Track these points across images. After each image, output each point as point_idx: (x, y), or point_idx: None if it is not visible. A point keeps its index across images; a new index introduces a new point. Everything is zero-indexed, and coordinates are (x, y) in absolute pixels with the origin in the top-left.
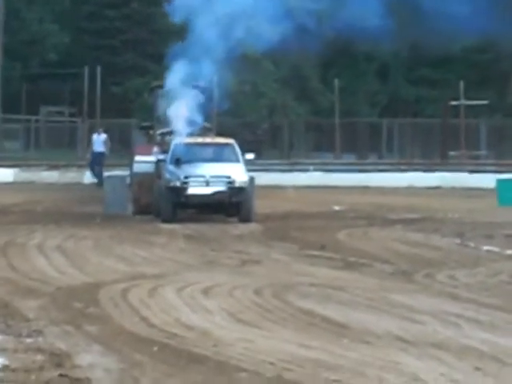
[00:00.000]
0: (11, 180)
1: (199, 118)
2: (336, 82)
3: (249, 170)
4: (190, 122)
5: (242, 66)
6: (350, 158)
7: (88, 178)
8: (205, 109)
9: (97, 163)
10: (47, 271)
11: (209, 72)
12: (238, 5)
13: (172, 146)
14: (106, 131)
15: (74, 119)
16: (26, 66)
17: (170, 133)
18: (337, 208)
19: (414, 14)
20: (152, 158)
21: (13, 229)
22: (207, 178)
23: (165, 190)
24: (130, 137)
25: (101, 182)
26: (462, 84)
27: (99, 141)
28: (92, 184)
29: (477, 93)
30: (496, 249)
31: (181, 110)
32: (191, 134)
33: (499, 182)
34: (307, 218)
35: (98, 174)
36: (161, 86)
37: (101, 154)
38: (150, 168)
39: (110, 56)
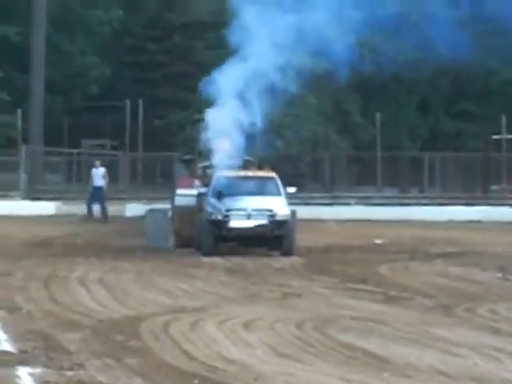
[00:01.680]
0: (53, 213)
1: (241, 152)
2: (378, 115)
3: (290, 204)
4: (232, 156)
5: (285, 100)
6: (392, 192)
7: (130, 210)
8: (248, 143)
9: (97, 198)
10: (89, 304)
11: (253, 106)
12: (282, 38)
13: (214, 180)
14: (103, 165)
15: (115, 152)
16: (67, 99)
17: (212, 166)
18: (378, 241)
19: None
20: (194, 192)
21: (55, 261)
22: (249, 211)
23: (206, 223)
24: (172, 170)
25: (105, 216)
26: (503, 118)
27: (98, 175)
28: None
29: None
30: None
31: (222, 144)
32: (233, 168)
33: None
34: (348, 251)
35: (102, 210)
36: (203, 120)
37: (100, 189)
38: (191, 201)
39: (152, 89)
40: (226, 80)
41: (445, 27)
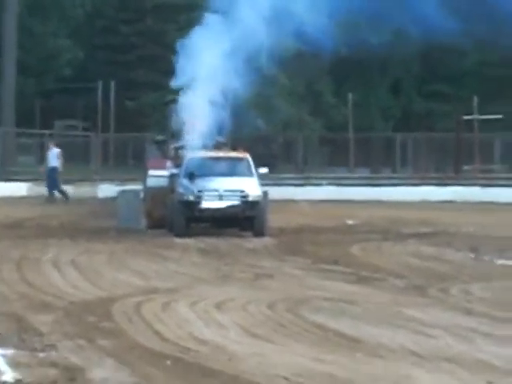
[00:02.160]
0: (25, 194)
1: (213, 133)
2: (350, 96)
3: (262, 185)
4: (204, 137)
5: (257, 80)
6: (364, 173)
7: (102, 191)
8: (219, 123)
9: (52, 179)
10: (61, 285)
11: (224, 86)
12: (254, 19)
13: (185, 160)
14: (58, 146)
15: (87, 133)
16: (40, 81)
17: (184, 147)
18: (350, 222)
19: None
20: (166, 173)
21: (27, 243)
22: (221, 192)
23: (178, 204)
24: (144, 151)
25: (66, 196)
26: (475, 98)
27: (53, 156)
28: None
29: (491, 107)
30: (510, 262)
31: (195, 125)
32: (205, 149)
33: None
34: (320, 232)
35: (60, 190)
36: (175, 101)
37: (54, 170)
38: (163, 182)
39: (125, 71)
40: (198, 60)
41: (419, 8)
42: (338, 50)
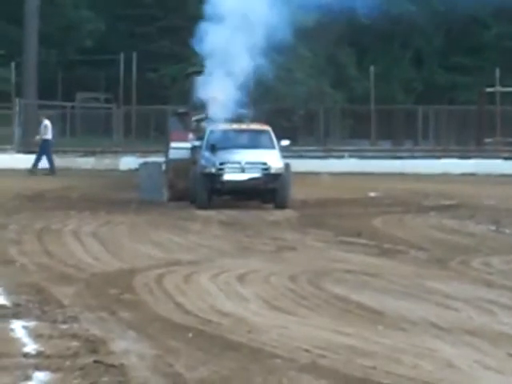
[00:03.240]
0: (47, 166)
1: (235, 105)
2: (371, 68)
3: (284, 157)
4: (226, 109)
5: (278, 53)
6: (386, 145)
7: (124, 164)
8: (241, 95)
9: (43, 151)
10: (82, 257)
11: (245, 59)
12: None
13: (207, 133)
14: (48, 118)
15: (109, 105)
16: (61, 52)
17: (206, 119)
18: (372, 195)
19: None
20: (188, 145)
21: (48, 215)
22: (242, 164)
23: (200, 177)
24: (166, 123)
25: (53, 170)
26: (497, 71)
27: (44, 128)
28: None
29: None
30: None
31: (217, 96)
32: (227, 121)
33: None
34: (343, 204)
35: (49, 162)
36: (197, 72)
37: (46, 142)
38: (185, 154)
39: (146, 43)
40: (217, 33)
41: None
42: (359, 20)
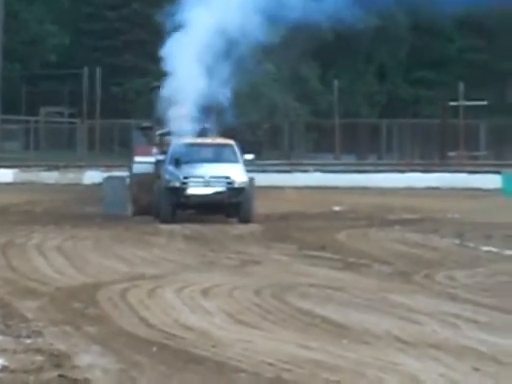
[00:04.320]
0: (11, 180)
1: (199, 119)
2: (335, 82)
3: (248, 171)
4: (189, 123)
5: (242, 67)
6: (350, 159)
7: (88, 178)
8: (204, 109)
9: None
10: (46, 272)
11: (209, 73)
12: (239, 5)
13: (171, 147)
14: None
15: (73, 120)
16: (25, 66)
17: (169, 133)
18: (336, 209)
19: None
20: (151, 159)
21: (12, 229)
22: (207, 178)
23: (164, 191)
24: (130, 137)
25: None
26: (461, 85)
27: None
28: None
29: (476, 93)
30: (495, 249)
31: (180, 111)
32: (191, 135)
33: (503, 174)
34: (307, 218)
35: None
36: (160, 87)
37: None
38: (149, 168)
39: (110, 57)
40: (183, 47)
41: None
42: (323, 34)
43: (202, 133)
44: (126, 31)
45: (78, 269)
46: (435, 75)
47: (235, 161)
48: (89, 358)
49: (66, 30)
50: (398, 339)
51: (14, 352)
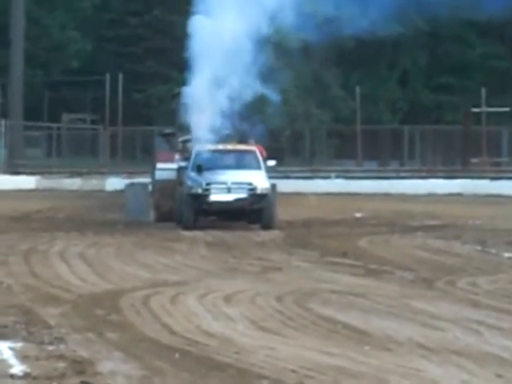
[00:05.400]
0: (33, 187)
1: (221, 125)
2: (357, 89)
3: (270, 177)
4: (212, 129)
5: (265, 73)
6: (372, 165)
7: (110, 184)
8: (227, 116)
9: None
10: (69, 278)
11: (233, 79)
12: (260, 11)
13: (193, 153)
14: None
15: (95, 126)
16: (47, 73)
17: (192, 140)
18: (358, 215)
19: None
20: (174, 165)
21: (35, 236)
22: (229, 184)
23: (186, 197)
24: (152, 144)
25: None
26: (483, 91)
27: None
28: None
29: (498, 100)
30: None
31: (203, 117)
32: (213, 141)
33: None
34: (329, 225)
35: None
36: (181, 93)
37: None
38: (171, 175)
39: (132, 63)
40: (204, 54)
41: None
42: (345, 41)
43: (225, 139)
44: (148, 38)
45: (101, 275)
46: (457, 81)
47: (257, 167)
48: (111, 365)
49: (88, 36)
50: (421, 346)
51: (37, 359)
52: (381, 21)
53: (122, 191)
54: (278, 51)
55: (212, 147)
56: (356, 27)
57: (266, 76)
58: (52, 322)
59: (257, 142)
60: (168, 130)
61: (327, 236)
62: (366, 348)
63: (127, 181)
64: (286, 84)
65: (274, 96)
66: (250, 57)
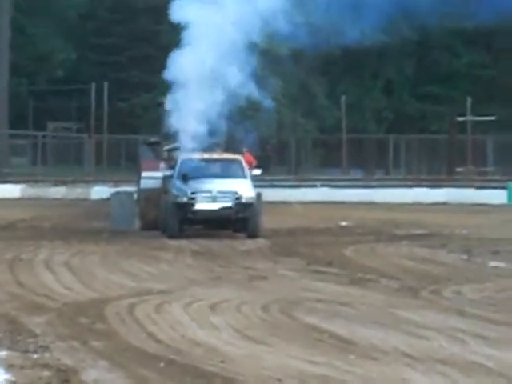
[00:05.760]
0: (18, 196)
1: (207, 134)
2: (343, 98)
3: (256, 186)
4: (197, 138)
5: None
6: (357, 174)
7: (95, 193)
8: (212, 125)
9: None
10: (54, 287)
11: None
12: (246, 20)
13: (179, 162)
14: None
15: (80, 135)
16: (32, 82)
17: (177, 148)
18: (343, 224)
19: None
20: (159, 174)
21: (20, 244)
22: (214, 193)
23: (171, 206)
24: (137, 152)
25: None
26: (469, 100)
27: None
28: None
29: (484, 109)
30: (502, 264)
31: (188, 126)
32: (199, 150)
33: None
34: (314, 233)
35: None
36: (165, 103)
37: None
38: (156, 184)
39: (117, 72)
40: (189, 62)
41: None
42: (330, 50)
43: (210, 148)
44: (132, 47)
45: (86, 284)
46: (443, 90)
47: (243, 176)
48: (96, 374)
49: (73, 45)
50: (406, 355)
51: (22, 367)
52: (370, 30)
53: (107, 200)
54: (266, 59)
55: (197, 156)
56: (343, 36)
57: (256, 82)
58: (37, 331)
59: (250, 151)
60: (153, 139)
61: (313, 245)
62: (351, 357)
63: (112, 189)
64: (275, 92)
65: (266, 102)
66: (240, 62)
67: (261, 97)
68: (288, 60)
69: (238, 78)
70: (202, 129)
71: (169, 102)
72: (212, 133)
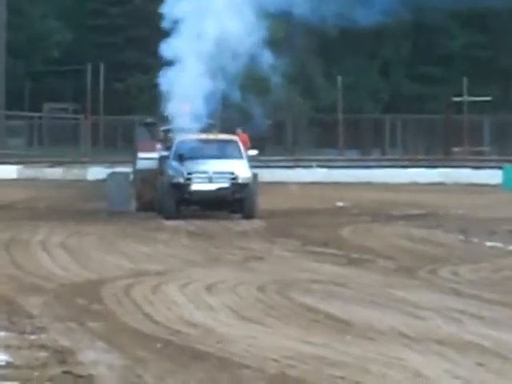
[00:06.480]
0: (15, 177)
1: (203, 115)
2: (339, 78)
3: (252, 167)
4: (194, 119)
5: (246, 62)
6: (354, 155)
7: (92, 174)
8: (209, 105)
9: None
10: (51, 268)
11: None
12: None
13: (175, 143)
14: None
15: (77, 116)
16: (29, 63)
17: (173, 129)
18: (340, 204)
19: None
20: (155, 155)
21: (16, 225)
22: (210, 174)
23: (168, 187)
24: (134, 133)
25: None
26: (465, 80)
27: None
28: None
29: (480, 89)
30: (499, 244)
31: (184, 107)
32: (195, 131)
33: (506, 168)
34: (310, 214)
35: None
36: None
37: None
38: (153, 164)
39: (113, 53)
40: (185, 42)
41: None
42: (328, 32)
43: (206, 129)
44: (129, 27)
45: (83, 265)
46: (439, 71)
47: (239, 157)
48: (93, 354)
49: (69, 26)
50: (402, 335)
51: (19, 348)
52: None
53: (103, 181)
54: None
55: (194, 137)
56: (338, 16)
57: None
58: (34, 312)
59: (244, 131)
60: (149, 120)
61: (309, 225)
62: (348, 337)
63: (109, 170)
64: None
65: (275, 78)
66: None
67: (270, 70)
68: (284, 40)
69: (247, 41)
70: (198, 109)
71: (164, 82)
72: (207, 113)
